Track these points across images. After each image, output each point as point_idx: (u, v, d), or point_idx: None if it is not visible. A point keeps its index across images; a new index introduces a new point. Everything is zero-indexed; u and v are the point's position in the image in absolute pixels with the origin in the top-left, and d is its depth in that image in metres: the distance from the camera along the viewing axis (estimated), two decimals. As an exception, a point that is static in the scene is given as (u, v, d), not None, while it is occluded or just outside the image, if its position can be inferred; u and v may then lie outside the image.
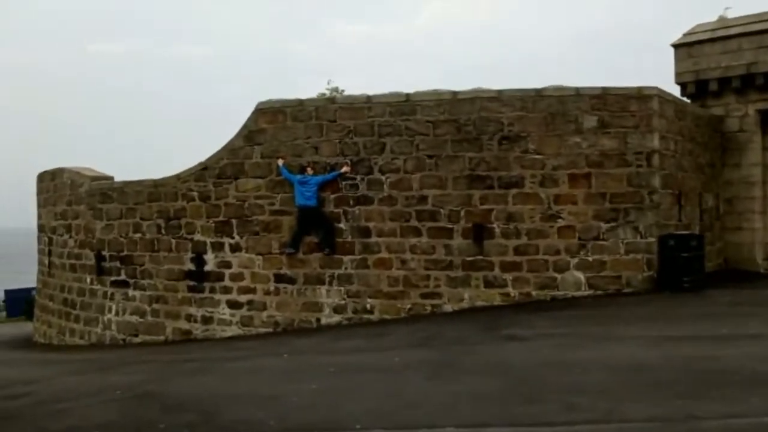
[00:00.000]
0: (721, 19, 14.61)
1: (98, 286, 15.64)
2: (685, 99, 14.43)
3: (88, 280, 15.89)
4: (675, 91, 14.41)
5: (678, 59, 14.79)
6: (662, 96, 12.11)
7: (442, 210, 12.22)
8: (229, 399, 6.46)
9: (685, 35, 14.80)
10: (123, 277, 14.99)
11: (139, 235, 14.65)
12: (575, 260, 11.88)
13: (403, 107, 12.35)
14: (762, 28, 13.66)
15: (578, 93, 11.85)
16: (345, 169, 12.54)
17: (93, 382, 8.52)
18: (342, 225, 12.67)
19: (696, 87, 14.59)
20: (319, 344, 10.01)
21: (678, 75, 14.81)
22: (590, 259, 11.85)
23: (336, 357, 8.65)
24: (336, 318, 12.74)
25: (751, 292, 11.74)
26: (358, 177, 12.56)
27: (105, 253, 15.32)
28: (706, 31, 14.50)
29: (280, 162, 12.86)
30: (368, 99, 12.55)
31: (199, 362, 9.46)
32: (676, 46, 14.81)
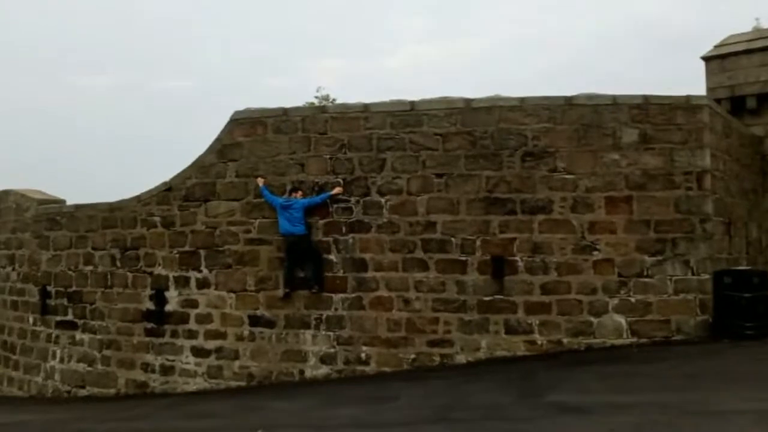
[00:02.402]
0: (757, 29, 12.72)
1: (41, 328, 12.89)
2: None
3: (31, 320, 13.15)
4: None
5: (710, 73, 12.81)
6: (712, 108, 10.01)
7: (453, 239, 9.85)
8: None
9: (716, 47, 12.86)
10: (70, 317, 12.29)
11: (90, 267, 12.02)
12: (615, 301, 9.53)
13: (407, 117, 10.05)
14: (808, 37, 11.79)
15: (615, 102, 9.66)
16: (337, 190, 10.15)
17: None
18: (332, 256, 10.21)
19: (731, 104, 12.58)
20: (305, 412, 7.46)
21: (710, 90, 12.80)
22: (633, 299, 9.52)
23: (329, 436, 6.14)
24: (323, 370, 10.20)
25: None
26: (353, 199, 10.16)
27: (51, 288, 12.63)
28: (741, 42, 12.57)
29: (260, 182, 10.45)
30: (365, 108, 10.22)
31: (145, 438, 6.87)
32: (708, 59, 12.84)
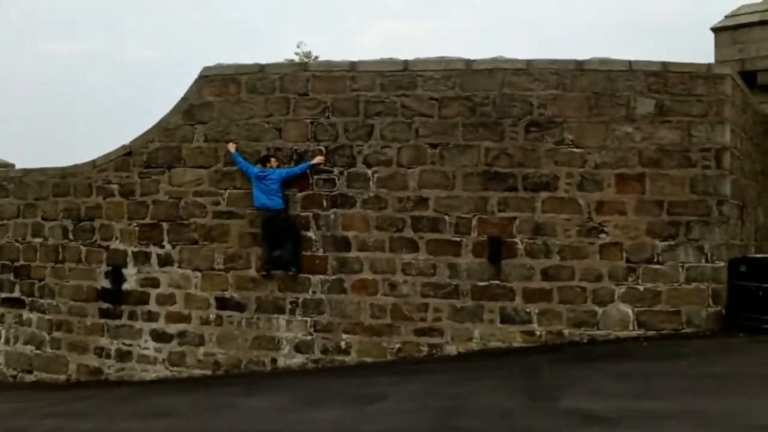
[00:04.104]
0: (770, 0, 11.77)
1: (-14, 305, 11.52)
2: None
3: (-26, 296, 11.75)
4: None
5: (719, 45, 11.85)
6: (734, 79, 9.01)
7: (447, 217, 8.74)
8: None
9: (727, 17, 11.88)
10: (17, 294, 10.91)
11: (39, 239, 10.63)
12: (622, 289, 8.55)
13: (400, 79, 8.83)
14: (827, 10, 10.87)
15: (631, 68, 8.59)
16: (318, 159, 8.93)
17: None
18: (311, 234, 9.02)
19: (741, 79, 11.60)
20: (278, 413, 6.31)
21: (719, 64, 11.81)
22: (641, 288, 8.54)
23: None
24: (298, 359, 9.05)
25: None
26: (336, 170, 8.96)
27: (-4, 261, 11.25)
28: (754, 12, 11.61)
29: (232, 147, 9.18)
30: (352, 66, 8.97)
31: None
32: (717, 30, 11.87)
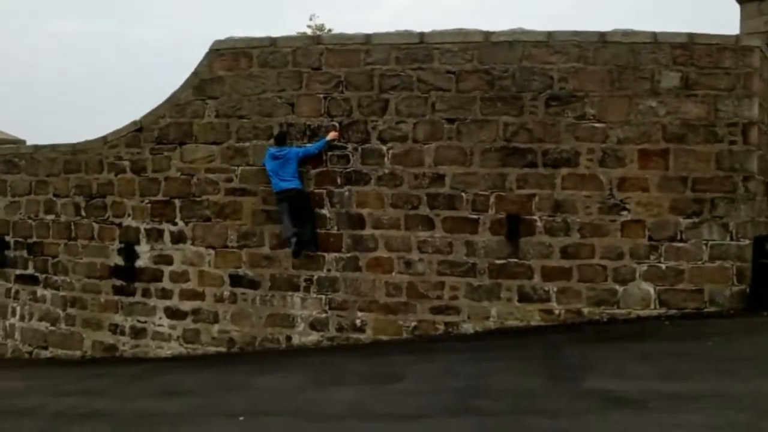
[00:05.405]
0: (800, -31, 11.30)
1: (0, 281, 11.53)
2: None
3: (-12, 273, 11.73)
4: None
5: (745, 17, 11.44)
6: (763, 51, 8.67)
7: (464, 194, 8.54)
8: None
9: (754, -12, 11.45)
10: (31, 271, 10.88)
11: (52, 216, 10.55)
12: (643, 267, 8.34)
13: (416, 52, 8.58)
14: None
15: (656, 40, 8.28)
16: (332, 135, 8.72)
17: None
18: (325, 211, 8.87)
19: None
20: (294, 393, 6.22)
21: (745, 37, 11.41)
22: (663, 266, 8.33)
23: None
24: (313, 336, 8.97)
25: None
26: (350, 146, 8.76)
27: (9, 238, 11.16)
28: (782, -18, 11.17)
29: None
30: (367, 39, 8.71)
31: (99, 421, 5.61)
32: (743, 1, 11.46)
